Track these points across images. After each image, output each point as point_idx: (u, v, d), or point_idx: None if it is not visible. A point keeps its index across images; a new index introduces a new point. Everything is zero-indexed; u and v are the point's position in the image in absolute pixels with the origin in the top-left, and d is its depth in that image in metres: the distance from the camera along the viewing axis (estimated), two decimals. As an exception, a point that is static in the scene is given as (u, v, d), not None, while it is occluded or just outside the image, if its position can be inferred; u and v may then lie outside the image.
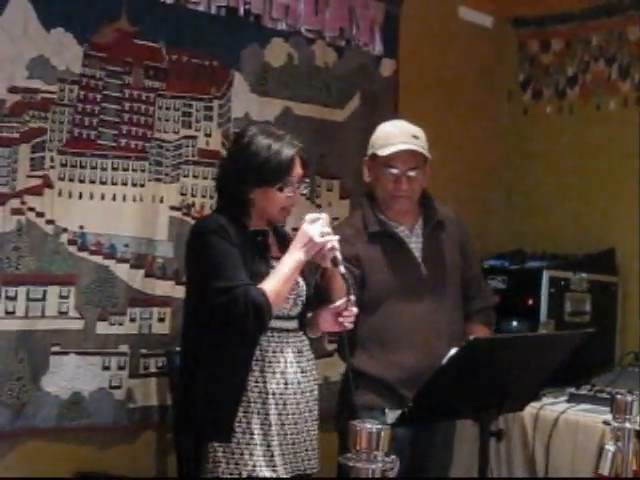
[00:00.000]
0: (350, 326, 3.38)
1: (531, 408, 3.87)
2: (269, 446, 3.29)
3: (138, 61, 4.00)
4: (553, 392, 4.25)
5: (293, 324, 3.42)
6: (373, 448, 2.12)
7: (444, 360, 2.89)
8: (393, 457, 2.13)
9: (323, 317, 3.46)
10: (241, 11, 4.29)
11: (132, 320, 4.01)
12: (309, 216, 3.35)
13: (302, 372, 3.39)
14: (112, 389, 3.96)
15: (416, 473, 3.71)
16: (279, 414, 3.31)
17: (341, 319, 3.36)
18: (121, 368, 3.98)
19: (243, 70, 4.34)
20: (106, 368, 3.94)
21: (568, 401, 4.26)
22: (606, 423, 3.01)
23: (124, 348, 3.99)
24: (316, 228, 3.27)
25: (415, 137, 3.72)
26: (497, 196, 5.54)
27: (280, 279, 3.26)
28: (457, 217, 3.98)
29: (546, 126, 5.45)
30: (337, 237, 3.30)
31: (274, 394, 3.30)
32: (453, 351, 2.92)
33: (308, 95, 4.61)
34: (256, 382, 3.29)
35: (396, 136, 3.72)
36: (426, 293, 3.73)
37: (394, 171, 3.71)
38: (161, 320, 4.09)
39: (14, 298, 3.69)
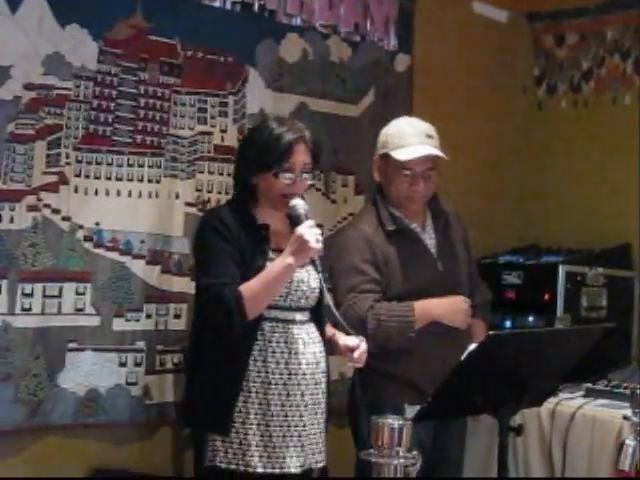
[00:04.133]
0: (360, 365, 3.37)
1: (548, 403, 3.85)
2: (271, 437, 3.28)
3: (153, 57, 4.00)
4: (570, 387, 4.23)
5: (301, 316, 3.40)
6: (395, 444, 2.12)
7: (463, 356, 2.88)
8: (415, 453, 2.13)
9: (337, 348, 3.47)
10: (256, 7, 4.28)
11: (148, 316, 4.01)
12: (296, 203, 3.30)
13: (307, 364, 3.37)
14: (128, 385, 3.96)
15: (431, 471, 3.69)
16: (282, 405, 3.30)
17: (354, 358, 3.35)
18: (137, 364, 3.98)
19: (258, 66, 4.34)
20: (122, 364, 3.94)
21: (585, 396, 4.25)
22: (626, 418, 3.00)
23: (140, 344, 3.99)
24: (312, 232, 3.22)
25: (429, 136, 3.66)
26: (512, 191, 5.52)
27: (263, 283, 3.24)
28: (455, 211, 3.95)
29: (561, 121, 5.42)
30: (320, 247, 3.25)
31: (277, 384, 3.30)
32: (472, 347, 2.92)
33: (323, 90, 4.60)
34: (258, 372, 3.29)
35: (411, 136, 3.65)
36: (443, 289, 3.70)
37: (410, 173, 3.66)
38: (177, 316, 4.09)
39: (30, 295, 3.69)
